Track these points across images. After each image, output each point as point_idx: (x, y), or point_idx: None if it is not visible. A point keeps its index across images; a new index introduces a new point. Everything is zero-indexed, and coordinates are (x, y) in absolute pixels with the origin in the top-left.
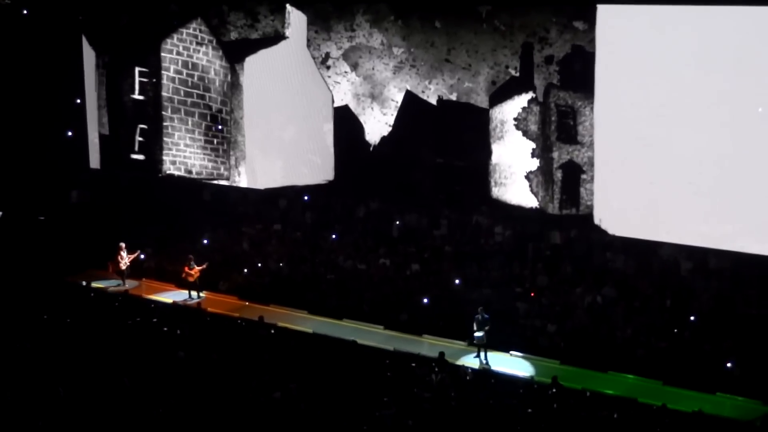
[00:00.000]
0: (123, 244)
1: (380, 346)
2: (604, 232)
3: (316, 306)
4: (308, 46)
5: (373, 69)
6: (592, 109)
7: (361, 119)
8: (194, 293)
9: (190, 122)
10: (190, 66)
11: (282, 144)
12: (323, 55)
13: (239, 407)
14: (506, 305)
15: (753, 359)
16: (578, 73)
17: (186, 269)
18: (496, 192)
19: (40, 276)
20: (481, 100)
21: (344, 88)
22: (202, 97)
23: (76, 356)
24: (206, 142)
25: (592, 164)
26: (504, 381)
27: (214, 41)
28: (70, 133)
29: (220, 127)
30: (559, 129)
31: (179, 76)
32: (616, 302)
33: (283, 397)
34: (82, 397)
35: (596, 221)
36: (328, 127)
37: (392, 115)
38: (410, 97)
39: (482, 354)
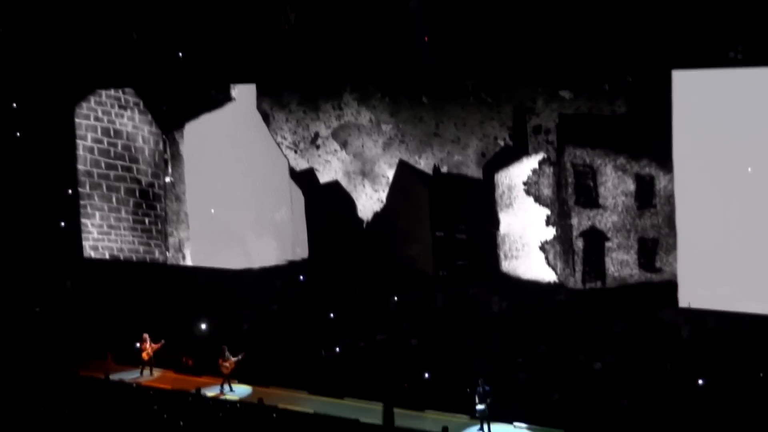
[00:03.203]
0: (146, 335)
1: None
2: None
3: (316, 385)
4: (258, 107)
5: (362, 146)
6: (614, 166)
7: (353, 196)
8: (226, 386)
9: (114, 199)
10: (112, 133)
11: (237, 219)
12: (312, 135)
13: None
14: (507, 375)
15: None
16: (592, 131)
17: (220, 360)
18: (507, 266)
19: (44, 369)
20: (472, 172)
21: (335, 167)
22: (129, 169)
23: None
24: (136, 221)
25: (617, 230)
26: None
27: (141, 104)
28: (63, 224)
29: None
30: (578, 192)
31: (99, 146)
32: (618, 369)
33: None
34: None
35: (682, 303)
36: (287, 198)
37: (384, 191)
38: (403, 169)
39: (486, 426)
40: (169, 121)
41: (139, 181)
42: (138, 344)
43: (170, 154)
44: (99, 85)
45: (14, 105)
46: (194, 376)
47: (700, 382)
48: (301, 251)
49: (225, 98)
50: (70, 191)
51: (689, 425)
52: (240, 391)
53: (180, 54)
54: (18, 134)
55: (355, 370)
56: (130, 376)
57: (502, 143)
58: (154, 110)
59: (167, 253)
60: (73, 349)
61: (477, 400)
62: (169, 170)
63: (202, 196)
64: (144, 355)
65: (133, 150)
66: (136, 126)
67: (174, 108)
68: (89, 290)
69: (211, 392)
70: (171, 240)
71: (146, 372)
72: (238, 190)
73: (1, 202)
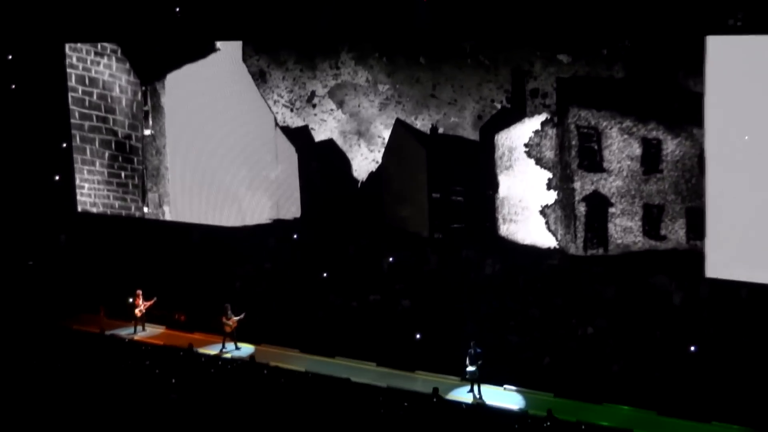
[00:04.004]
0: (139, 291)
1: (373, 383)
2: (590, 264)
3: (309, 344)
4: (244, 60)
5: (359, 106)
6: (620, 129)
7: (349, 156)
8: (230, 344)
9: (88, 151)
10: (87, 81)
11: (223, 175)
12: (309, 94)
13: None
14: (499, 338)
15: (747, 387)
16: (597, 93)
17: (223, 319)
18: (505, 230)
19: (37, 322)
20: (468, 135)
21: (331, 126)
22: (105, 119)
23: (71, 400)
24: (111, 175)
25: (621, 195)
26: (498, 415)
27: (119, 51)
28: (57, 177)
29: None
30: (581, 155)
31: (73, 94)
32: (608, 333)
33: None
34: None
35: (708, 273)
36: (274, 154)
37: (379, 151)
38: (400, 130)
39: (476, 388)
40: (150, 71)
41: (115, 133)
42: (131, 299)
43: (150, 106)
44: (88, 38)
45: (9, 57)
46: (187, 332)
47: (692, 348)
48: (294, 210)
49: (210, 48)
50: (64, 145)
51: (679, 391)
52: (244, 350)
53: (177, 9)
54: (13, 86)
55: (348, 329)
56: (123, 331)
57: (498, 106)
58: (134, 59)
59: (145, 208)
60: (65, 303)
61: (468, 362)
62: (150, 123)
63: (183, 151)
64: (137, 311)
65: (109, 100)
66: (113, 75)
67: (155, 57)
68: (82, 244)
69: (212, 350)
70: (150, 195)
71: (138, 328)
72: (223, 144)
73: None
